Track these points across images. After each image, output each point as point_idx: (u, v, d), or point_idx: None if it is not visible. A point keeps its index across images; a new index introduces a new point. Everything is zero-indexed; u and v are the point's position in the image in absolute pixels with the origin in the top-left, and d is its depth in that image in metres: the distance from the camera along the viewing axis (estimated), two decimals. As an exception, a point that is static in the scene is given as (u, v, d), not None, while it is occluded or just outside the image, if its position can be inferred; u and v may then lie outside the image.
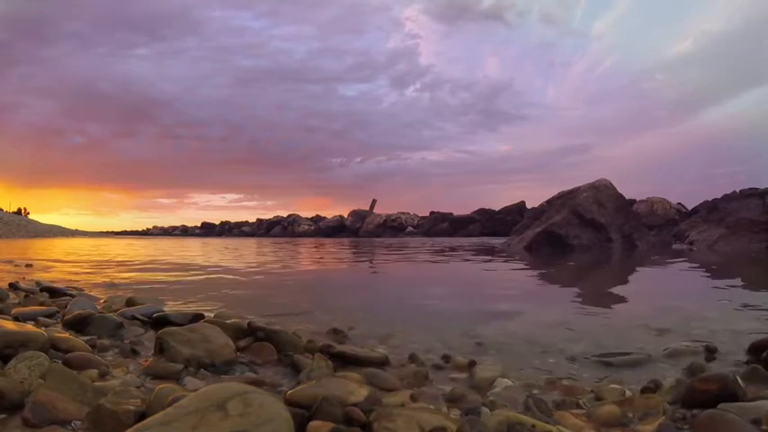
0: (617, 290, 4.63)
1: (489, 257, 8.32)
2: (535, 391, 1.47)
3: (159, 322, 2.26)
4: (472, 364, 1.75)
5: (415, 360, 1.82)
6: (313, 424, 1.07)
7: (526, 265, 7.32)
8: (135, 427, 0.95)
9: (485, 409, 1.20)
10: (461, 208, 43.65)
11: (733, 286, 4.33)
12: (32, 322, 2.03)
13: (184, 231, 56.50)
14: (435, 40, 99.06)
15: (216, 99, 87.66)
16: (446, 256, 9.19)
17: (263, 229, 49.11)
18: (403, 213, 43.35)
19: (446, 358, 1.83)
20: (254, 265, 6.86)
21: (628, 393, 1.40)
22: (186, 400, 1.01)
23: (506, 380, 1.57)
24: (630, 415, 1.24)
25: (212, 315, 2.44)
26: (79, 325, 2.12)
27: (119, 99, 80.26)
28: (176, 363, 1.60)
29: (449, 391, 1.41)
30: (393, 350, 1.95)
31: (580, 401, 1.36)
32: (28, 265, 6.20)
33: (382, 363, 1.75)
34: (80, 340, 1.78)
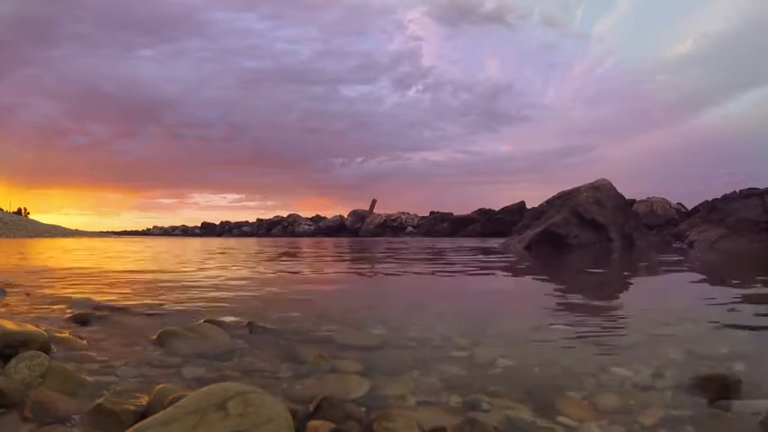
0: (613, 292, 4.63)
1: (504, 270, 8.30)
2: (536, 370, 1.46)
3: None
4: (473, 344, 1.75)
5: (415, 341, 1.82)
6: (313, 423, 1.07)
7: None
8: (135, 426, 0.95)
9: (485, 402, 1.20)
10: (461, 208, 43.63)
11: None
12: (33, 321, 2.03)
13: (184, 231, 56.53)
14: (438, 42, 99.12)
15: (219, 100, 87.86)
16: (445, 260, 9.18)
17: (263, 229, 49.14)
18: (403, 213, 43.34)
19: (446, 338, 1.82)
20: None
21: (627, 382, 1.40)
22: (186, 399, 1.01)
23: (507, 360, 1.57)
24: (632, 402, 1.24)
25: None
26: (80, 323, 2.12)
27: (122, 100, 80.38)
28: (176, 356, 1.60)
29: (449, 379, 1.40)
30: (392, 331, 1.94)
31: (582, 385, 1.36)
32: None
33: (382, 347, 1.75)
34: (80, 340, 1.78)
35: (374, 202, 45.53)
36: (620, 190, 12.96)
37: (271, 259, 8.43)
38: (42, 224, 38.26)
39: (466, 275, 5.51)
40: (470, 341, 1.81)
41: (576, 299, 3.41)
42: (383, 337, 1.85)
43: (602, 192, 12.40)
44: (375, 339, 1.84)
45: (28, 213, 43.53)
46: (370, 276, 5.73)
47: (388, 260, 8.27)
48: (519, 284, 4.79)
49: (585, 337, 1.96)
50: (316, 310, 2.74)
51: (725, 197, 12.91)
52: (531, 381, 1.40)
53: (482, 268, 6.40)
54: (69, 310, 2.48)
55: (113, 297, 3.28)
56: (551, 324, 2.20)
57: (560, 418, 1.15)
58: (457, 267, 6.46)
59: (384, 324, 2.15)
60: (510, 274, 5.84)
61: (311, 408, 1.13)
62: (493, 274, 5.83)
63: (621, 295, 3.81)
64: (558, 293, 3.99)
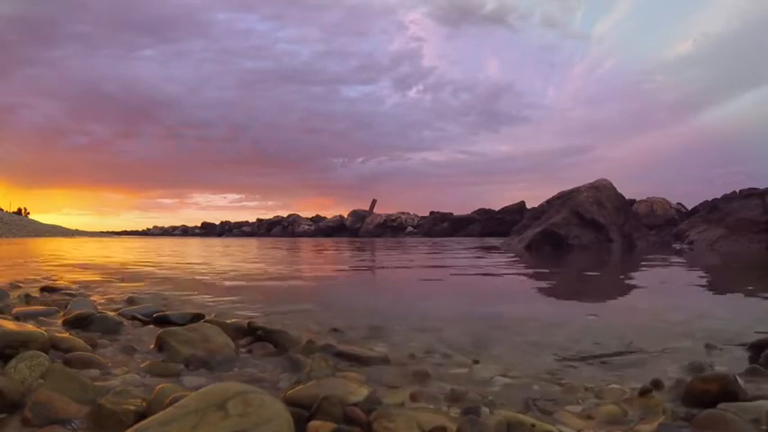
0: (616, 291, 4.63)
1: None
2: (535, 387, 1.47)
3: (159, 322, 2.26)
4: (472, 362, 1.75)
5: (415, 358, 1.83)
6: (313, 424, 1.07)
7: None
8: (135, 427, 0.95)
9: (484, 409, 1.20)
10: (461, 208, 43.63)
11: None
12: (33, 321, 2.03)
13: (185, 231, 56.55)
14: (438, 43, 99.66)
15: (220, 100, 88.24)
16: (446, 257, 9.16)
17: (263, 229, 49.15)
18: (403, 213, 43.33)
19: (446, 356, 1.83)
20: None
21: (627, 393, 1.40)
22: (186, 399, 1.01)
23: (505, 378, 1.57)
24: (631, 413, 1.24)
25: (213, 315, 2.43)
26: (80, 324, 2.12)
27: (123, 100, 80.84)
28: (176, 363, 1.60)
29: (449, 390, 1.41)
30: (393, 348, 1.95)
31: (580, 400, 1.36)
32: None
33: (383, 361, 1.75)
34: (80, 340, 1.78)
35: (374, 202, 45.58)
36: (620, 190, 12.99)
37: (271, 260, 8.43)
38: (42, 224, 38.26)
39: (465, 278, 5.51)
40: (470, 357, 1.82)
41: (575, 307, 3.42)
42: (383, 353, 1.85)
43: (602, 192, 12.41)
44: (375, 353, 1.85)
45: (28, 213, 43.57)
46: (369, 279, 5.74)
47: (387, 261, 8.28)
48: (518, 289, 4.80)
49: (584, 351, 1.97)
50: (315, 317, 2.74)
51: (725, 197, 12.91)
52: (530, 395, 1.40)
53: (481, 271, 6.40)
54: (70, 311, 2.48)
55: (114, 296, 3.29)
56: (551, 338, 2.21)
57: (559, 426, 1.16)
58: (456, 270, 6.46)
59: (384, 338, 2.18)
60: (509, 277, 5.84)
61: (311, 408, 1.13)
62: (492, 277, 5.83)
63: (620, 304, 3.80)
64: (558, 301, 4.00)
